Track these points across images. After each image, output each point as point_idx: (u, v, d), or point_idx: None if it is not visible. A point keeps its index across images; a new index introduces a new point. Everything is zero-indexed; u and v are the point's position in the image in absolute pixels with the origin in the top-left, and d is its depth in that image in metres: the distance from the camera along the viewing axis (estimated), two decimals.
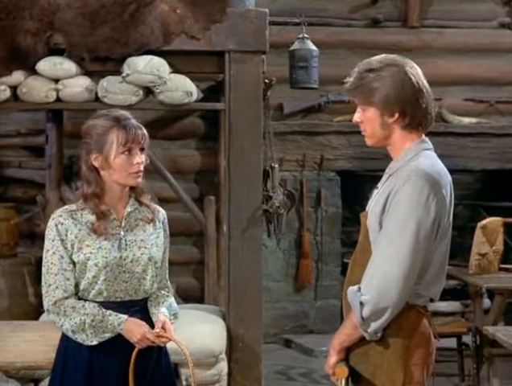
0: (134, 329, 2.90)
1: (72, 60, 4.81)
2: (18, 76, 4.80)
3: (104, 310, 2.92)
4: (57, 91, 4.83)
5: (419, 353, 2.67)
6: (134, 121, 2.96)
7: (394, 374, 2.62)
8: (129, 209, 3.00)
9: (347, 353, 2.70)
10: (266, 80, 5.02)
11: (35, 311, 5.93)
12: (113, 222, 2.97)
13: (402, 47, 7.66)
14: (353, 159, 7.50)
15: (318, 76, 5.86)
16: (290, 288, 7.64)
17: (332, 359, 2.69)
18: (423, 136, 2.78)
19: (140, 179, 2.97)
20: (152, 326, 2.97)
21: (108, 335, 2.92)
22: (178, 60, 4.90)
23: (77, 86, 4.82)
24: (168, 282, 3.19)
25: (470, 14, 7.81)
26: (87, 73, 4.88)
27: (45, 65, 4.77)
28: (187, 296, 6.79)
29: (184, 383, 4.48)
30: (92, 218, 2.94)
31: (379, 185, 2.75)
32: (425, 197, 2.55)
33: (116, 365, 2.94)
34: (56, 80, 4.82)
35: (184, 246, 7.30)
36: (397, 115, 2.67)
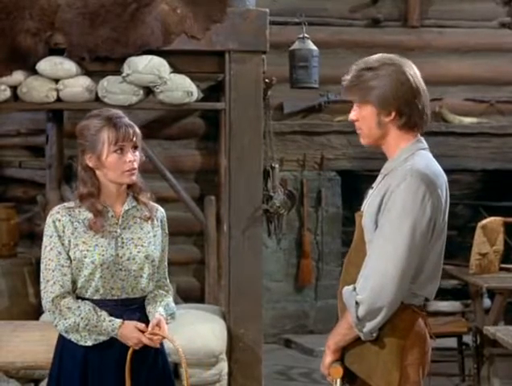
0: (128, 334, 2.91)
1: (73, 60, 4.81)
2: (18, 76, 4.80)
3: (99, 313, 2.92)
4: (57, 91, 4.83)
5: (414, 353, 2.64)
6: (125, 120, 2.97)
7: (389, 374, 2.60)
8: (126, 207, 3.01)
9: (342, 353, 2.68)
10: (267, 80, 5.02)
11: (35, 311, 5.92)
12: (110, 219, 2.98)
13: (402, 47, 7.65)
14: (354, 159, 7.50)
15: (318, 76, 5.85)
16: (290, 288, 7.64)
17: (328, 358, 2.68)
18: (419, 136, 2.75)
19: (134, 177, 2.98)
20: (147, 324, 2.97)
21: (103, 338, 2.93)
22: (178, 60, 4.91)
23: (77, 86, 4.82)
24: (168, 281, 3.18)
25: (470, 14, 7.81)
26: (87, 73, 4.89)
27: (45, 65, 4.77)
28: (187, 296, 6.79)
29: (184, 383, 4.48)
30: (90, 215, 2.95)
31: (374, 185, 2.75)
32: (421, 197, 2.55)
33: (111, 364, 2.94)
34: (56, 80, 4.82)
35: (185, 246, 7.30)
36: (393, 114, 2.65)
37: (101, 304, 2.95)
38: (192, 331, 4.58)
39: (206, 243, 6.92)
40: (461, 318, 6.38)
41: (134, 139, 2.96)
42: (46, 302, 2.95)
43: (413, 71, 2.69)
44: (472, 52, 7.76)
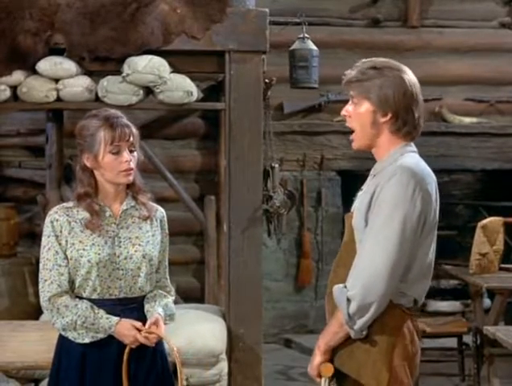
0: (124, 331, 2.92)
1: (72, 60, 4.80)
2: (18, 76, 4.79)
3: (96, 311, 2.93)
4: (57, 91, 4.83)
5: (403, 353, 2.64)
6: (122, 120, 2.97)
7: (379, 373, 2.59)
8: (124, 207, 3.02)
9: (332, 354, 2.68)
10: (267, 80, 5.02)
11: (35, 311, 5.91)
12: (108, 219, 2.98)
13: (402, 47, 7.66)
14: (354, 159, 7.49)
15: (318, 76, 5.85)
16: (290, 288, 7.64)
17: (317, 359, 2.69)
18: (408, 141, 2.74)
19: (131, 177, 2.98)
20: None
21: (100, 336, 2.94)
22: (178, 60, 4.90)
23: (77, 86, 4.82)
24: (168, 281, 3.18)
25: (470, 14, 7.81)
26: (87, 73, 4.88)
27: (45, 65, 4.77)
28: (187, 296, 6.79)
29: (185, 383, 4.48)
30: (87, 215, 2.96)
31: (364, 186, 2.76)
32: (411, 191, 2.55)
33: (109, 362, 2.95)
34: (56, 80, 4.82)
35: (185, 246, 7.30)
36: (390, 116, 2.67)
37: (99, 303, 2.95)
38: (192, 331, 4.58)
39: (206, 243, 6.93)
40: (461, 318, 6.38)
41: (131, 139, 2.96)
42: (43, 301, 2.97)
43: (414, 82, 2.72)
44: (472, 52, 7.76)
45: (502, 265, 5.85)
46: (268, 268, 7.22)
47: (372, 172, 2.75)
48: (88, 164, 2.97)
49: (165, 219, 3.15)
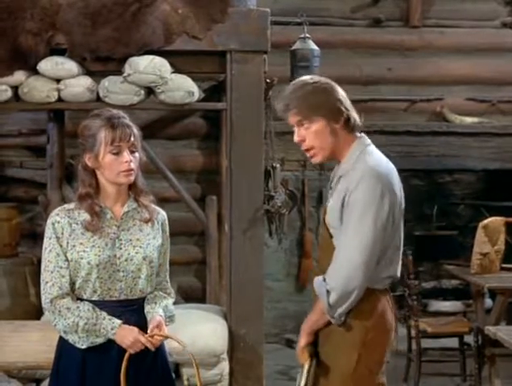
0: (126, 333, 2.91)
1: (74, 60, 4.81)
2: (19, 76, 4.80)
3: (98, 313, 2.92)
4: (58, 91, 4.83)
5: (376, 334, 2.93)
6: (124, 120, 2.96)
7: (350, 354, 2.91)
8: (126, 209, 3.01)
9: (316, 337, 3.00)
10: (268, 80, 5.02)
11: (36, 311, 5.91)
12: (109, 221, 2.98)
13: (403, 47, 7.67)
14: None
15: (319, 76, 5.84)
16: (291, 287, 7.63)
17: (302, 341, 3.00)
18: (359, 134, 3.03)
19: (132, 178, 2.97)
20: (146, 327, 2.96)
21: (99, 341, 2.92)
22: (179, 60, 4.90)
23: (79, 86, 4.82)
24: (169, 284, 3.17)
25: (472, 14, 7.81)
26: (88, 73, 4.88)
27: (46, 65, 4.77)
28: (188, 296, 6.79)
29: (186, 383, 4.48)
30: (88, 216, 2.95)
31: (332, 185, 3.05)
32: (379, 193, 2.86)
33: (109, 366, 2.94)
34: (58, 80, 4.82)
35: (186, 246, 7.30)
36: (342, 119, 2.95)
37: (99, 305, 2.95)
38: (194, 331, 4.58)
39: (207, 243, 6.93)
40: (463, 318, 6.38)
41: (132, 140, 2.95)
42: (45, 303, 2.97)
43: (331, 82, 3.02)
44: (474, 52, 7.75)
45: (504, 265, 5.85)
46: (269, 268, 7.21)
47: (339, 173, 3.01)
48: (89, 164, 2.96)
49: (166, 222, 3.13)
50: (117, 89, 4.81)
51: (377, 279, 2.94)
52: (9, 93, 4.82)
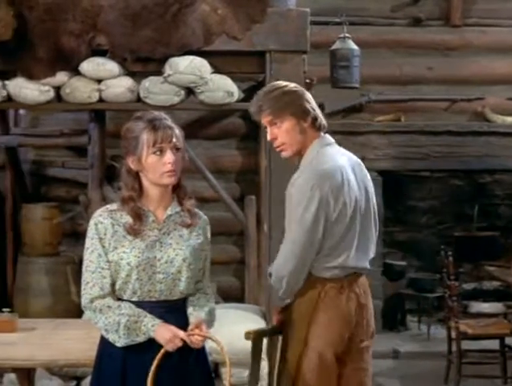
0: (166, 329, 2.91)
1: (115, 61, 4.85)
2: (61, 77, 4.86)
3: (140, 310, 2.93)
4: (100, 91, 4.88)
5: (323, 316, 3.17)
6: (166, 122, 2.97)
7: (298, 331, 3.22)
8: (169, 212, 3.01)
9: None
10: (307, 80, 5.02)
11: (77, 310, 5.95)
12: (151, 224, 2.98)
13: (444, 46, 7.61)
14: (395, 159, 7.45)
15: (359, 76, 5.84)
16: None
17: (274, 318, 3.44)
18: (323, 134, 3.29)
19: (174, 178, 2.97)
20: (186, 328, 2.97)
21: (139, 339, 2.92)
22: (219, 60, 4.92)
23: (120, 86, 4.86)
24: (210, 290, 3.16)
25: None
26: (129, 74, 4.93)
27: (88, 66, 4.82)
28: (227, 295, 6.80)
29: (225, 382, 4.49)
30: (131, 220, 2.96)
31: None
32: (309, 189, 3.08)
33: (150, 365, 2.94)
34: (99, 81, 4.87)
35: (225, 245, 7.31)
36: (310, 119, 3.20)
37: (139, 305, 2.95)
38: (232, 331, 4.59)
39: (246, 243, 6.93)
40: (503, 320, 6.32)
41: (174, 140, 2.96)
42: (85, 303, 2.97)
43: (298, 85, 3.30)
44: None
45: None
46: None
47: (299, 168, 3.24)
48: (132, 166, 2.97)
49: (208, 227, 3.12)
50: (157, 90, 4.84)
51: (321, 268, 3.18)
52: (51, 94, 4.88)
